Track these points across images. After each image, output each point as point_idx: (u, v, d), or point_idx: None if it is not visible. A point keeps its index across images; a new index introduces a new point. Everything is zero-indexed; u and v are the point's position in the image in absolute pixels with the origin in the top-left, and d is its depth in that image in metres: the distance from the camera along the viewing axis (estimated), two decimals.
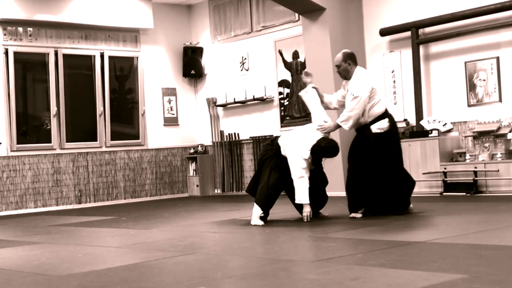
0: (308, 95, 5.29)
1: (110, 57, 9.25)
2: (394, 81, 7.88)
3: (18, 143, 8.45)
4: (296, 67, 8.66)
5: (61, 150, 8.79)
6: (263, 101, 9.11)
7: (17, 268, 3.63)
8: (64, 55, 8.82)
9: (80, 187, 8.92)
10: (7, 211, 8.29)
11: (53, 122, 8.72)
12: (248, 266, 3.31)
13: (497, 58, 6.98)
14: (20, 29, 8.48)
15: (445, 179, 6.92)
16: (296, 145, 5.00)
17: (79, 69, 9.18)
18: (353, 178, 5.07)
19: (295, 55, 8.67)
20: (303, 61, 8.46)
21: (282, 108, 8.88)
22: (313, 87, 5.29)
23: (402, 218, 4.93)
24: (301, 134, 5.12)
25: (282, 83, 8.88)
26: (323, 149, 4.96)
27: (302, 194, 4.91)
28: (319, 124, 5.07)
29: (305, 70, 5.57)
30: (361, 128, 5.09)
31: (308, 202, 4.93)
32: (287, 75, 8.84)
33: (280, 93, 8.92)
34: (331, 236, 4.15)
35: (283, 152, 5.07)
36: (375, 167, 5.02)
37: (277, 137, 5.28)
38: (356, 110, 4.95)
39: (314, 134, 5.04)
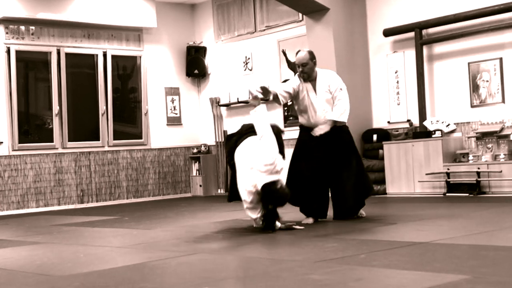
0: (257, 114, 4.71)
1: (113, 56, 9.27)
2: (398, 82, 7.88)
3: (20, 142, 8.47)
4: None
5: (63, 149, 8.80)
6: (266, 101, 9.09)
7: (19, 268, 3.64)
8: (67, 54, 8.84)
9: (82, 186, 8.94)
10: (9, 210, 8.31)
11: (55, 121, 8.74)
12: (252, 266, 3.32)
13: (501, 59, 6.98)
14: (23, 27, 8.51)
15: (448, 179, 6.92)
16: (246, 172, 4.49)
17: (81, 68, 9.20)
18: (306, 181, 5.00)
19: None
20: None
21: (286, 108, 8.89)
22: (263, 87, 4.91)
23: (405, 219, 4.94)
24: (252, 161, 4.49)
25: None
26: (273, 193, 4.35)
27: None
28: (268, 162, 4.40)
29: (252, 92, 4.98)
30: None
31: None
32: (290, 75, 8.84)
33: None
34: (334, 237, 4.15)
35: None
36: (325, 168, 4.98)
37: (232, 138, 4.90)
38: (348, 100, 5.02)
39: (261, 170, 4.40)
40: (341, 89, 5.00)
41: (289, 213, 5.33)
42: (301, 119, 5.15)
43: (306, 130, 5.07)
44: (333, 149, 5.01)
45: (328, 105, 5.02)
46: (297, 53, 5.13)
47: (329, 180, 5.04)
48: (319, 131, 4.97)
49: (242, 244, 4.07)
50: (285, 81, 8.92)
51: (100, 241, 4.87)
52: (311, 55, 5.03)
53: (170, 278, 3.09)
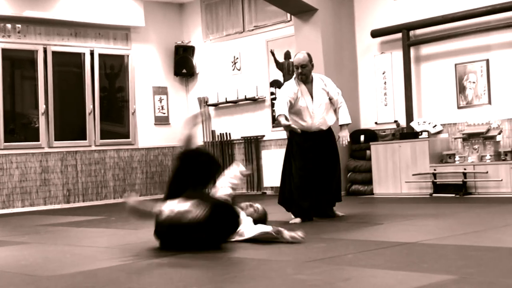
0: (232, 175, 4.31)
1: (100, 55, 9.21)
2: (385, 83, 7.92)
3: (5, 141, 8.38)
4: (288, 67, 8.68)
5: (50, 148, 8.73)
6: (254, 101, 9.12)
7: (4, 268, 3.59)
8: (54, 52, 8.78)
9: (69, 186, 8.87)
10: None
11: (42, 120, 8.67)
12: (240, 267, 3.32)
13: (487, 61, 7.04)
14: (9, 25, 8.42)
15: (435, 180, 6.97)
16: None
17: (68, 66, 9.13)
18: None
19: (287, 55, 8.69)
20: None
21: (274, 108, 8.89)
22: (286, 126, 4.84)
23: (391, 219, 4.96)
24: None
25: (274, 83, 8.89)
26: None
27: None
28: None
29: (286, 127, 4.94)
30: (317, 132, 5.09)
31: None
32: (279, 76, 8.85)
33: (272, 93, 8.93)
34: (322, 237, 4.16)
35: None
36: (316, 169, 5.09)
37: None
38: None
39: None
40: (338, 93, 5.21)
41: (276, 213, 5.33)
42: (295, 121, 5.10)
43: (299, 132, 5.04)
44: (325, 151, 5.12)
45: (324, 108, 5.10)
46: (295, 55, 5.19)
47: (318, 181, 5.10)
48: (346, 137, 5.20)
49: (230, 245, 4.05)
50: (273, 81, 8.93)
51: (87, 241, 4.84)
52: (310, 57, 5.11)
53: (158, 279, 3.07)
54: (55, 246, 4.55)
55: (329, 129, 5.19)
